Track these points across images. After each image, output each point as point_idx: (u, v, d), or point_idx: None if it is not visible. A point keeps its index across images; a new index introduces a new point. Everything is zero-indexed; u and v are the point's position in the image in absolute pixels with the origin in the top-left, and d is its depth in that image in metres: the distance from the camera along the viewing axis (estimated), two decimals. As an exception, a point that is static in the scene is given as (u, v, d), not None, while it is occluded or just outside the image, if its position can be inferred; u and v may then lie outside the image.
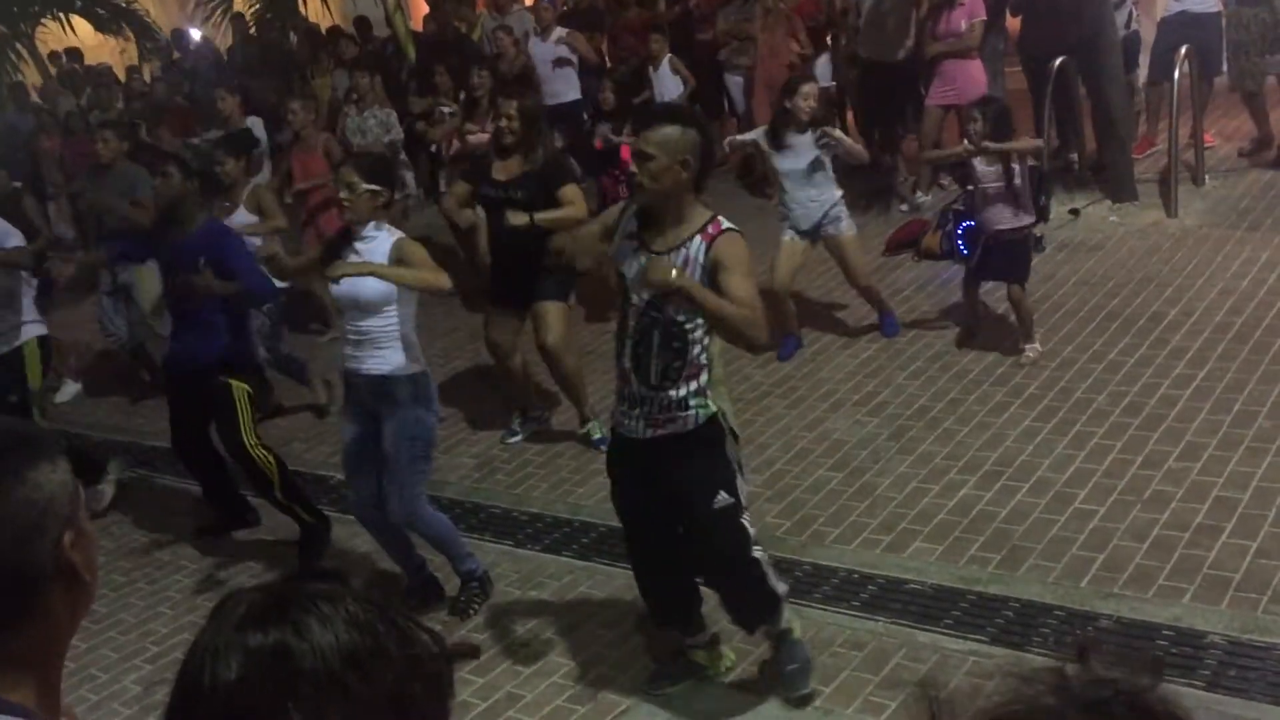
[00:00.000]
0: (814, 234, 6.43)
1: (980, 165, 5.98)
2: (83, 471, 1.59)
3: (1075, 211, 7.99)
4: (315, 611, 1.12)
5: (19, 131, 11.25)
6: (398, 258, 4.34)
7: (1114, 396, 5.56)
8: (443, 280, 4.41)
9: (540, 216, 5.46)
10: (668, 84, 9.32)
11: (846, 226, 6.43)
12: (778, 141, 6.34)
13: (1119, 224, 7.80)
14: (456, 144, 8.44)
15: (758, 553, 3.74)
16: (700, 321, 3.51)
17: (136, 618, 5.18)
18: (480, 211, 6.13)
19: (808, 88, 6.30)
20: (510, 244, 5.70)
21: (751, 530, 3.73)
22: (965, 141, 6.17)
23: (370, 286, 4.31)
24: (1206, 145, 8.47)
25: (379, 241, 4.36)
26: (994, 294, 6.45)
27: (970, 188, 7.83)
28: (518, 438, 6.22)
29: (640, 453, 3.68)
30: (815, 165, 6.27)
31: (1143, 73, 8.99)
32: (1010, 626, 4.10)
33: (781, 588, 3.84)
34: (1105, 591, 4.20)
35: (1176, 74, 7.79)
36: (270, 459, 5.26)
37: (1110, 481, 4.88)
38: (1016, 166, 5.92)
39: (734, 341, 3.52)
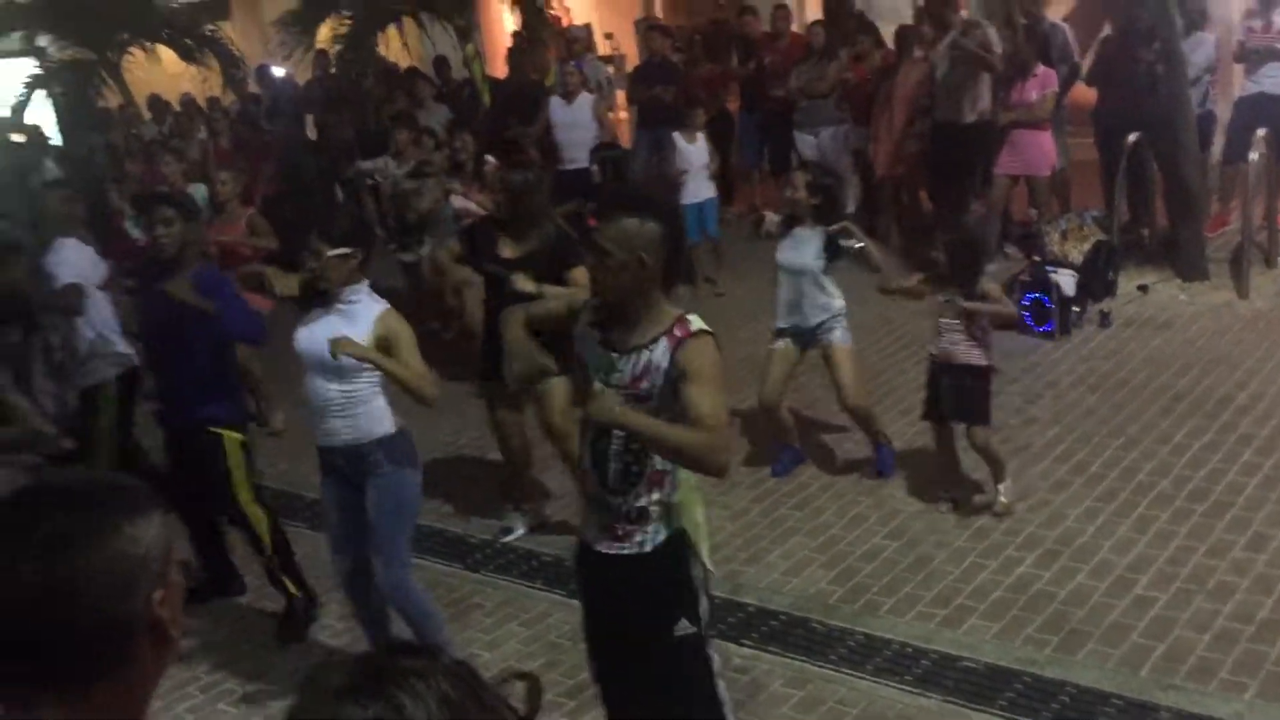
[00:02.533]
0: (807, 340, 5.81)
1: (938, 298, 5.29)
2: None
3: (1144, 288, 7.92)
4: (409, 688, 1.14)
5: (103, 158, 11.57)
6: (383, 334, 4.11)
7: (1179, 480, 5.48)
8: (431, 390, 4.16)
9: (549, 290, 5.05)
10: (692, 155, 8.94)
11: (841, 337, 5.72)
12: (786, 229, 5.77)
13: (1188, 303, 7.72)
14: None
15: (721, 691, 3.41)
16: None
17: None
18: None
19: (798, 176, 5.80)
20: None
21: (716, 663, 3.42)
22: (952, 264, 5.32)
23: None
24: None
25: (363, 306, 4.14)
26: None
27: (1036, 259, 7.88)
28: (516, 534, 5.75)
29: (599, 566, 3.36)
30: (816, 266, 5.63)
31: (1217, 151, 8.93)
32: (1066, 712, 4.03)
33: None
34: (1165, 682, 4.12)
35: (1253, 155, 7.72)
36: (262, 516, 5.02)
37: (1173, 569, 4.80)
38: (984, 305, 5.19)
39: (692, 469, 3.18)
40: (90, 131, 12.42)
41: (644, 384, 3.14)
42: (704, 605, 3.35)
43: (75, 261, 5.96)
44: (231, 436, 4.98)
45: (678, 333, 3.13)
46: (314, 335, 4.15)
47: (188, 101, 12.51)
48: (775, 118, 10.41)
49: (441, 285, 7.75)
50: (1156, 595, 4.63)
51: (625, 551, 3.27)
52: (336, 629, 5.13)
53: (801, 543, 5.39)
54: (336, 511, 4.36)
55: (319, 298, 4.21)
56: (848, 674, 4.36)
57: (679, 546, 3.30)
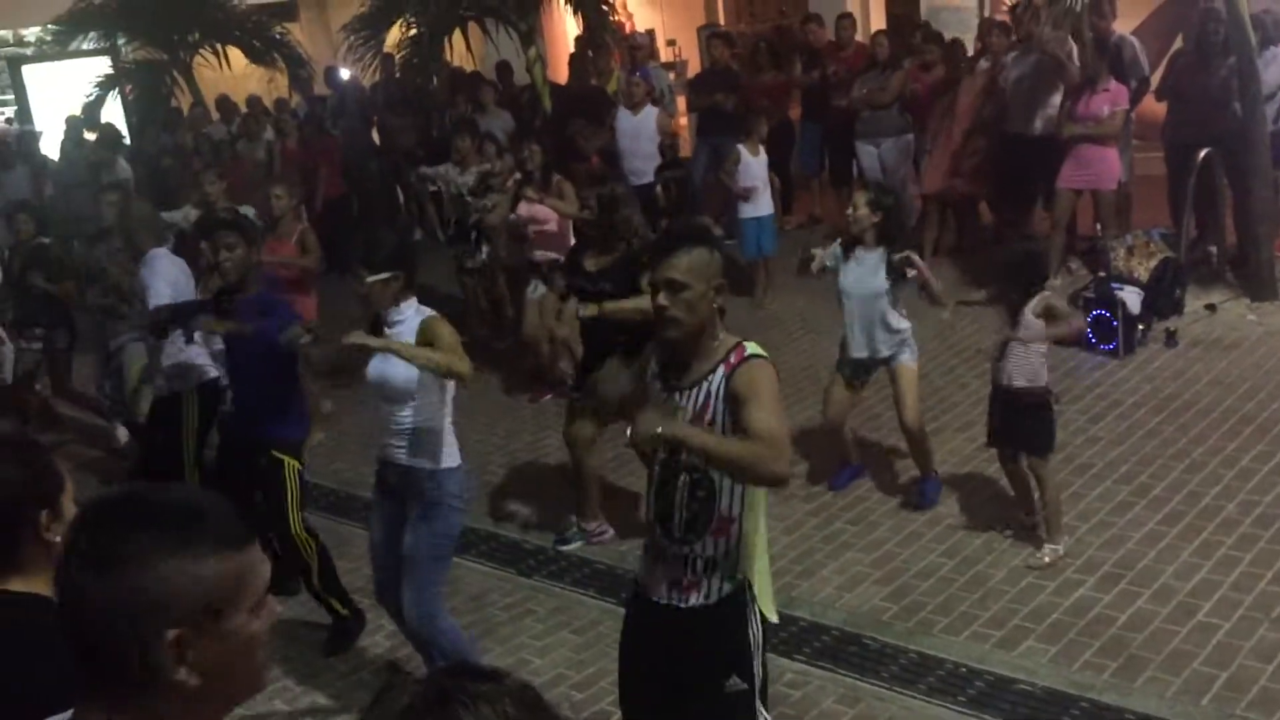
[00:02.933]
0: (870, 366, 5.74)
1: (1029, 315, 5.04)
2: None
3: (1212, 307, 7.77)
4: (475, 711, 1.15)
5: (170, 156, 11.76)
6: (424, 340, 4.09)
7: (1245, 505, 5.37)
8: (464, 366, 4.08)
9: (608, 306, 5.16)
10: (755, 169, 8.90)
11: (908, 357, 5.64)
12: (849, 251, 5.65)
13: (1257, 323, 7.56)
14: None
15: None
16: None
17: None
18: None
19: (858, 195, 5.72)
20: (599, 338, 5.37)
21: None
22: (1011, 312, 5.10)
23: (396, 372, 4.12)
24: (1354, 247, 8.19)
25: (408, 322, 4.15)
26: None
27: (1101, 274, 7.76)
28: (572, 546, 5.75)
29: (655, 616, 3.30)
30: (885, 287, 5.51)
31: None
32: (1124, 740, 3.97)
33: None
34: (1227, 712, 4.04)
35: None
36: (312, 545, 5.03)
37: (1237, 595, 4.70)
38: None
39: (752, 483, 3.13)
40: (161, 131, 12.62)
41: (707, 416, 3.11)
42: (759, 663, 3.27)
43: (168, 273, 5.97)
44: (291, 464, 4.99)
45: (733, 359, 3.12)
46: (374, 361, 4.17)
47: (254, 102, 12.69)
48: (837, 127, 10.36)
49: (537, 333, 7.68)
50: (1219, 622, 4.54)
51: (689, 604, 3.22)
52: (387, 631, 5.17)
53: (856, 558, 5.35)
54: (383, 528, 4.37)
55: (375, 322, 4.23)
56: (900, 693, 4.32)
57: (742, 601, 3.23)
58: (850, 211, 5.65)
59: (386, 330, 4.16)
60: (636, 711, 3.45)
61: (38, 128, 14.20)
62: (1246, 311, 7.73)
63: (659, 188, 7.42)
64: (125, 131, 13.20)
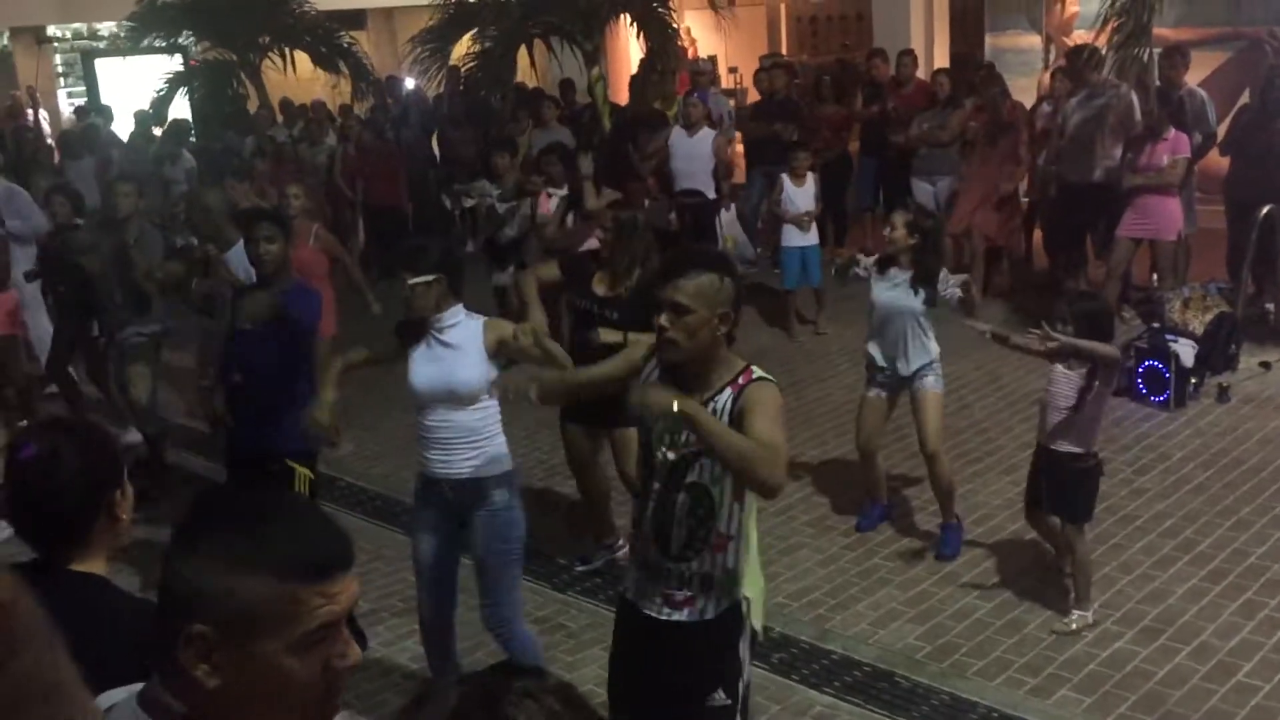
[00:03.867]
0: (899, 387, 5.69)
1: (1056, 366, 4.90)
2: None
3: (1266, 365, 7.68)
4: (522, 708, 1.18)
5: (234, 154, 11.96)
6: (497, 338, 4.10)
7: (1291, 567, 5.30)
8: (566, 360, 4.12)
9: (635, 338, 4.79)
10: (798, 199, 8.91)
11: (933, 383, 5.58)
12: (883, 267, 5.62)
13: (1313, 382, 7.47)
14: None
15: None
16: (727, 484, 3.15)
17: None
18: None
19: (896, 217, 5.60)
20: (593, 360, 5.13)
21: None
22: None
23: (468, 375, 4.08)
24: None
25: (463, 327, 4.12)
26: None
27: (1155, 325, 7.69)
28: (595, 564, 5.73)
29: (647, 628, 3.31)
30: (919, 306, 5.47)
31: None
32: (1156, 797, 3.91)
33: None
34: (1263, 776, 3.98)
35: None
36: None
37: (1279, 658, 4.63)
38: (1096, 385, 4.78)
39: (748, 483, 3.09)
40: (226, 130, 12.83)
41: None
42: (744, 680, 3.29)
43: (244, 262, 5.86)
44: (303, 472, 4.87)
45: (741, 380, 3.15)
46: (426, 368, 4.13)
47: (319, 107, 12.87)
48: (894, 163, 10.36)
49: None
50: (1259, 684, 4.47)
51: (681, 619, 3.23)
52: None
53: (891, 595, 5.32)
54: (434, 544, 4.28)
55: (416, 329, 4.16)
56: (931, 733, 4.29)
57: (735, 618, 3.25)
58: (887, 231, 5.63)
59: (436, 334, 4.11)
60: (622, 717, 3.46)
61: (111, 114, 14.48)
62: (1302, 370, 7.63)
63: (673, 213, 7.34)
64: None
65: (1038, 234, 10.15)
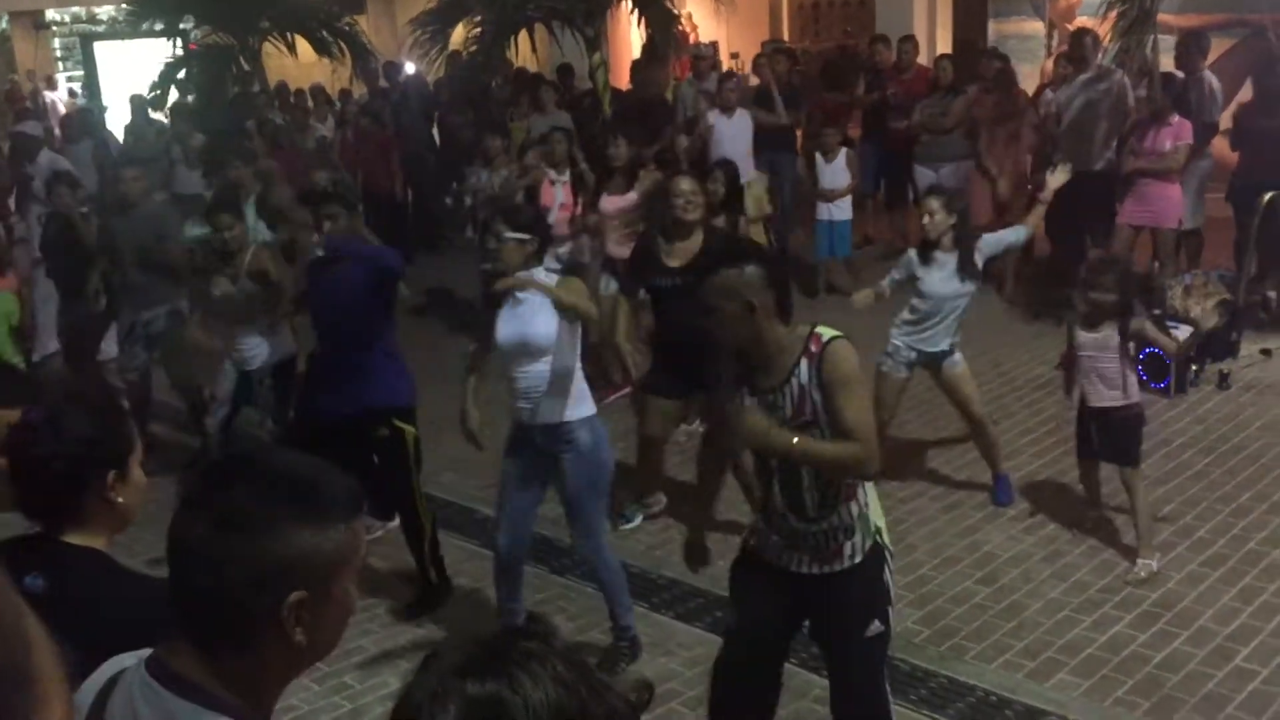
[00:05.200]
0: (916, 364, 5.89)
1: (1082, 334, 5.22)
2: None
3: (1267, 352, 7.67)
4: (527, 668, 1.17)
5: (243, 137, 11.90)
6: (565, 286, 4.45)
7: (1291, 553, 5.29)
8: (591, 310, 4.49)
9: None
10: (838, 176, 9.42)
11: (960, 358, 5.87)
12: (926, 256, 5.74)
13: (1313, 371, 7.46)
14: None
15: (886, 683, 3.57)
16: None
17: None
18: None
19: (931, 201, 5.80)
20: (682, 332, 5.30)
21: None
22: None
23: (538, 328, 4.37)
24: None
25: (547, 280, 4.45)
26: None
27: (1156, 312, 7.66)
28: (633, 523, 6.03)
29: (792, 583, 3.48)
30: (966, 291, 5.69)
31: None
32: (1154, 780, 3.91)
33: None
34: (1261, 760, 3.98)
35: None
36: (429, 513, 5.28)
37: (1277, 643, 4.63)
38: (1131, 346, 5.22)
39: (845, 479, 3.33)
40: (227, 115, 12.77)
41: (807, 407, 3.25)
42: (892, 608, 3.52)
43: None
44: (410, 432, 5.13)
45: (813, 348, 3.25)
46: (509, 324, 4.44)
47: (317, 91, 12.82)
48: (895, 150, 10.32)
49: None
50: (1257, 669, 4.47)
51: (838, 569, 3.42)
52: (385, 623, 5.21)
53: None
54: (518, 486, 4.58)
55: (502, 293, 4.47)
56: (928, 716, 4.29)
57: (880, 552, 3.46)
58: (926, 218, 5.75)
59: (518, 295, 4.43)
60: (740, 662, 3.63)
61: (104, 103, 14.43)
62: (1302, 358, 7.61)
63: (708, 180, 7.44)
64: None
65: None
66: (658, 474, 6.13)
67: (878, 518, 3.49)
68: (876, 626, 3.43)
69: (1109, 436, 5.28)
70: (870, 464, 3.24)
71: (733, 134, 9.82)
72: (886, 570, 3.48)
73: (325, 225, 5.09)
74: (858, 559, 3.41)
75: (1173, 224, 8.21)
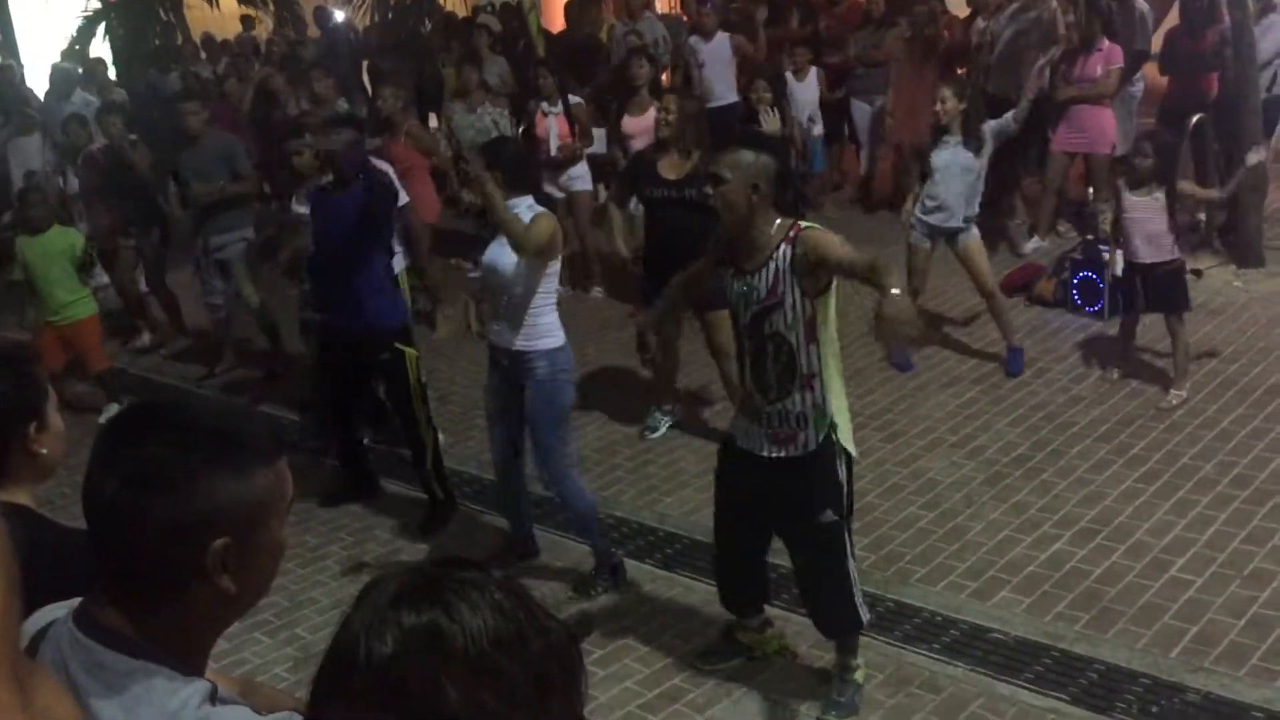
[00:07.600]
0: (938, 237, 6.58)
1: (1131, 197, 5.99)
2: None
3: (1198, 273, 7.78)
4: (465, 596, 1.17)
5: (160, 93, 11.61)
6: (534, 218, 4.56)
7: (1222, 466, 5.43)
8: (529, 243, 4.44)
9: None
10: (809, 93, 9.68)
11: (976, 232, 6.57)
12: (938, 140, 6.47)
13: (1242, 289, 7.60)
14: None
15: (852, 570, 3.86)
16: (800, 329, 3.64)
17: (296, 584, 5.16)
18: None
19: (944, 90, 6.46)
20: (676, 243, 5.36)
21: (850, 548, 3.85)
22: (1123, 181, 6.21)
23: (504, 261, 4.58)
24: (1342, 217, 8.22)
25: (520, 214, 4.55)
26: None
27: (1089, 237, 7.76)
28: (659, 432, 6.33)
29: (756, 467, 3.82)
30: (973, 165, 6.37)
31: (1281, 136, 8.75)
32: (1093, 689, 4.02)
33: (865, 615, 3.92)
34: (1195, 665, 4.10)
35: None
36: (431, 432, 5.50)
37: (1210, 553, 4.76)
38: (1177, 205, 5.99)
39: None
40: (149, 68, 12.46)
41: (780, 290, 3.60)
42: (846, 496, 3.80)
43: None
44: (412, 354, 5.40)
45: (792, 234, 3.60)
46: (488, 252, 4.72)
47: (246, 42, 12.53)
48: (829, 84, 10.28)
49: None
50: (1192, 578, 4.60)
51: (790, 454, 3.75)
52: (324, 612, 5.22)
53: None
54: (496, 397, 4.86)
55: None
56: (875, 639, 4.36)
57: (831, 446, 3.73)
58: (939, 105, 6.37)
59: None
60: (731, 537, 4.06)
61: (21, 61, 14.00)
62: (1233, 278, 7.76)
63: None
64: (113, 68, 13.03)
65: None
66: (674, 375, 6.42)
67: (839, 416, 3.75)
68: (829, 515, 3.73)
69: (1158, 289, 5.97)
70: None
71: (714, 56, 9.79)
72: (841, 466, 3.75)
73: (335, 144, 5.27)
74: (811, 448, 3.72)
75: (1106, 149, 8.30)
